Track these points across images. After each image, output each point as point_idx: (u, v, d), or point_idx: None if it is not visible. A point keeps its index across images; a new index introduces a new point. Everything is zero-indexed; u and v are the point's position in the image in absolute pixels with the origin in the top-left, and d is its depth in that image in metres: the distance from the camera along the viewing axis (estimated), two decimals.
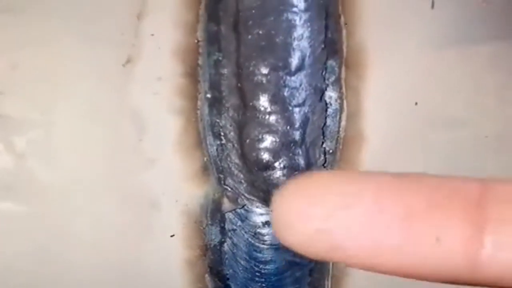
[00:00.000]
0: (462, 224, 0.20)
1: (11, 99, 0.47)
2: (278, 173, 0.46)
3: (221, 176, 0.49)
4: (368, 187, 0.21)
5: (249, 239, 0.50)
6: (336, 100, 0.48)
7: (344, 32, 0.49)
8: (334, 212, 0.21)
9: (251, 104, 0.45)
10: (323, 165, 0.48)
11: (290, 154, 0.45)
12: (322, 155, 0.48)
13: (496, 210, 0.20)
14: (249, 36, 0.45)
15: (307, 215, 0.21)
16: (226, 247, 0.51)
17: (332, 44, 0.48)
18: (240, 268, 0.51)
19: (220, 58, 0.48)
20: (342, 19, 0.49)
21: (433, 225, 0.21)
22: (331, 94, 0.48)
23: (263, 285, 0.51)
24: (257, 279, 0.51)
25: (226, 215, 0.50)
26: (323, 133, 0.48)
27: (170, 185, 0.48)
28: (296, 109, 0.45)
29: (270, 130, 0.45)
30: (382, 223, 0.21)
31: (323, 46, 0.47)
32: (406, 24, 0.49)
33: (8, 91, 0.47)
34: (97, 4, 0.48)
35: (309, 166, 0.47)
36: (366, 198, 0.21)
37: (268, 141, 0.45)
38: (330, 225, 0.21)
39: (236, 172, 0.48)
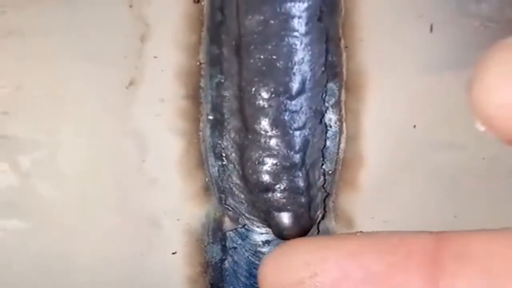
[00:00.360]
0: (419, 282, 0.23)
1: (15, 120, 0.48)
2: (278, 195, 0.47)
3: (223, 196, 0.50)
4: (331, 254, 0.24)
5: (250, 257, 0.51)
6: (335, 122, 0.49)
7: (344, 55, 0.49)
8: (304, 281, 0.24)
9: (252, 127, 0.46)
10: (322, 186, 0.49)
11: (290, 177, 0.46)
12: (322, 176, 0.49)
13: (450, 266, 0.22)
14: (251, 60, 0.46)
15: (284, 285, 0.24)
16: (227, 264, 0.52)
17: (333, 67, 0.49)
18: (241, 285, 0.52)
19: (222, 80, 0.48)
20: (343, 42, 0.50)
21: (393, 285, 0.23)
22: (331, 116, 0.49)
23: None
24: None
25: (227, 233, 0.51)
26: (322, 154, 0.49)
27: (172, 204, 0.49)
28: (297, 133, 0.46)
29: (271, 153, 0.46)
30: (348, 287, 0.23)
31: (323, 69, 0.48)
32: (405, 48, 0.49)
33: (13, 111, 0.48)
34: (101, 26, 0.49)
35: (309, 187, 0.48)
36: (330, 266, 0.24)
37: (269, 164, 0.46)
38: None
39: (237, 192, 0.49)
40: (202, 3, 0.50)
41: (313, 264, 0.24)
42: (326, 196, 0.49)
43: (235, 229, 0.50)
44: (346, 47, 0.50)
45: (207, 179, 0.49)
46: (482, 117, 0.20)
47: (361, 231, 0.26)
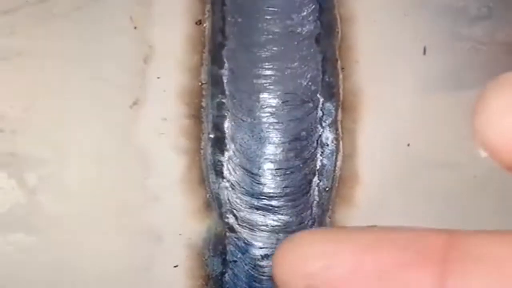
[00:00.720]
0: (428, 280, 0.23)
1: (23, 138, 0.49)
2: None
3: (223, 211, 0.51)
4: (347, 246, 0.24)
5: (249, 271, 0.53)
6: (332, 141, 0.51)
7: (341, 76, 0.51)
8: (318, 271, 0.24)
9: None
10: (320, 201, 0.51)
11: None
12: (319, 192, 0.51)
13: (459, 265, 0.23)
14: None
15: (297, 275, 0.24)
16: (227, 277, 0.54)
17: (330, 88, 0.51)
18: None
19: (223, 100, 0.50)
20: (339, 63, 0.51)
21: (404, 282, 0.23)
22: (328, 135, 0.51)
23: None
24: None
25: (228, 247, 0.52)
26: (320, 172, 0.50)
27: (174, 220, 0.51)
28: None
29: None
30: (361, 280, 0.23)
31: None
32: (399, 69, 0.51)
33: (21, 130, 0.49)
34: (107, 48, 0.50)
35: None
36: (345, 257, 0.24)
37: None
38: (316, 283, 0.24)
39: (237, 207, 0.51)
40: (204, 25, 0.52)
41: (328, 255, 0.24)
42: (323, 212, 0.51)
43: (235, 241, 0.52)
44: (343, 68, 0.51)
45: (208, 195, 0.51)
46: (483, 144, 0.21)
47: (376, 225, 0.26)
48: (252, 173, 0.50)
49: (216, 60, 0.51)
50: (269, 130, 0.50)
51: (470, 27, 0.52)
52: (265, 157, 0.50)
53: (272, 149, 0.50)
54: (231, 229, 0.51)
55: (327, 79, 0.51)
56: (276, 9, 0.52)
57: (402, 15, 0.53)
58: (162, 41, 0.51)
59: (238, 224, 0.51)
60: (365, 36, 0.52)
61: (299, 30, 0.52)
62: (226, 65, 0.51)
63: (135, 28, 0.51)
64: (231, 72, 0.51)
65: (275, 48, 0.51)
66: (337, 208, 0.51)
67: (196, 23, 0.52)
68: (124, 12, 0.52)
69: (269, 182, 0.50)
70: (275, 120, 0.50)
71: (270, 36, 0.51)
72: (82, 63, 0.50)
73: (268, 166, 0.50)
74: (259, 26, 0.51)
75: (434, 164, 0.51)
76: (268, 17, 0.51)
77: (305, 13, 0.52)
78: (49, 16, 0.51)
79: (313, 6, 0.52)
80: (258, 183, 0.50)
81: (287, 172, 0.50)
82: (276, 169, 0.50)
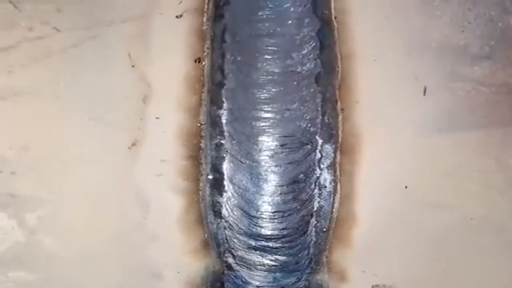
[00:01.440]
0: None
1: (22, 179, 0.50)
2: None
3: (221, 250, 0.52)
4: None
5: None
6: (330, 183, 0.51)
7: (340, 117, 0.51)
8: None
9: None
10: (317, 242, 0.51)
11: None
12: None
13: None
14: None
15: None
16: None
17: (329, 129, 0.51)
18: None
19: (222, 141, 0.50)
20: (339, 104, 0.51)
21: None
22: (326, 177, 0.51)
23: None
24: None
25: (226, 285, 0.53)
26: (318, 213, 0.51)
27: (173, 259, 0.51)
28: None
29: None
30: None
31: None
32: (399, 110, 0.51)
33: (20, 171, 0.49)
34: (104, 87, 0.50)
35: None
36: None
37: None
38: None
39: (235, 247, 0.51)
40: (203, 63, 0.52)
41: None
42: (320, 252, 0.51)
43: (233, 279, 0.53)
44: (342, 109, 0.51)
45: (206, 235, 0.51)
46: None
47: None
48: (250, 215, 0.50)
49: (215, 100, 0.51)
50: (268, 172, 0.50)
51: (471, 67, 0.52)
52: (263, 199, 0.50)
53: (270, 191, 0.50)
54: (229, 268, 0.52)
55: (326, 121, 0.51)
56: (276, 49, 0.51)
57: (403, 53, 0.52)
58: (161, 79, 0.51)
59: (236, 263, 0.51)
60: (366, 75, 0.52)
61: (299, 69, 0.51)
62: (225, 105, 0.51)
63: (133, 66, 0.51)
64: (230, 112, 0.50)
65: (274, 89, 0.50)
66: (334, 248, 0.52)
67: (195, 61, 0.52)
68: (122, 49, 0.51)
69: (267, 225, 0.50)
70: (274, 163, 0.50)
71: (270, 77, 0.51)
72: (80, 103, 0.50)
73: (266, 209, 0.50)
74: (259, 66, 0.51)
75: (431, 206, 0.51)
76: (268, 56, 0.51)
77: (305, 51, 0.52)
78: (46, 53, 0.51)
79: (314, 44, 0.52)
80: (255, 225, 0.50)
81: (285, 215, 0.50)
82: (274, 212, 0.50)
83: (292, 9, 0.53)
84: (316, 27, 0.52)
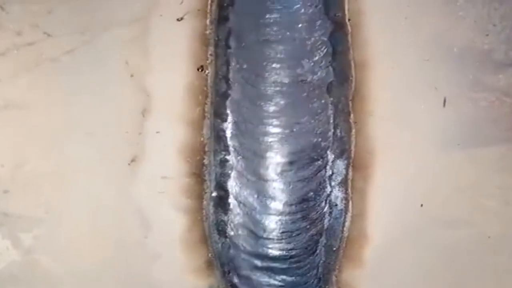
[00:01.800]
0: None
1: (16, 198, 0.47)
2: None
3: (225, 269, 0.49)
4: None
5: None
6: (342, 201, 0.48)
7: (353, 130, 0.48)
8: None
9: None
10: (326, 261, 0.49)
11: None
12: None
13: None
14: None
15: None
16: None
17: (341, 144, 0.47)
18: None
19: (227, 157, 0.47)
20: (352, 117, 0.48)
21: None
22: (337, 195, 0.48)
23: None
24: None
25: None
26: (328, 232, 0.48)
27: (175, 278, 0.49)
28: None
29: None
30: None
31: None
32: (416, 123, 0.48)
33: (14, 189, 0.47)
34: (101, 98, 0.47)
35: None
36: None
37: None
38: None
39: (240, 267, 0.49)
40: (206, 71, 0.48)
41: None
42: (329, 272, 0.49)
43: None
44: (355, 122, 0.48)
45: (210, 254, 0.49)
46: None
47: None
48: (257, 235, 0.48)
49: (219, 112, 0.47)
50: (275, 190, 0.47)
51: (495, 75, 0.48)
52: (270, 219, 0.47)
53: (278, 210, 0.47)
54: (234, 287, 0.50)
55: (338, 134, 0.47)
56: (285, 56, 0.47)
57: (422, 60, 0.48)
58: (161, 90, 0.47)
59: (241, 283, 0.49)
60: (381, 84, 0.48)
61: (309, 78, 0.48)
62: (230, 118, 0.47)
63: (131, 76, 0.47)
64: (236, 126, 0.47)
65: (282, 102, 0.47)
66: (344, 268, 0.49)
67: (198, 69, 0.48)
68: (119, 56, 0.47)
69: (274, 245, 0.48)
70: (282, 180, 0.47)
71: (278, 88, 0.47)
72: (75, 116, 0.47)
73: (273, 228, 0.47)
74: (266, 75, 0.47)
75: (448, 225, 0.48)
76: (277, 65, 0.47)
77: (317, 58, 0.48)
78: (38, 61, 0.47)
79: (326, 50, 0.48)
80: (262, 245, 0.48)
81: (293, 235, 0.47)
82: (281, 232, 0.47)
83: (302, 10, 0.49)
84: (328, 30, 0.48)
